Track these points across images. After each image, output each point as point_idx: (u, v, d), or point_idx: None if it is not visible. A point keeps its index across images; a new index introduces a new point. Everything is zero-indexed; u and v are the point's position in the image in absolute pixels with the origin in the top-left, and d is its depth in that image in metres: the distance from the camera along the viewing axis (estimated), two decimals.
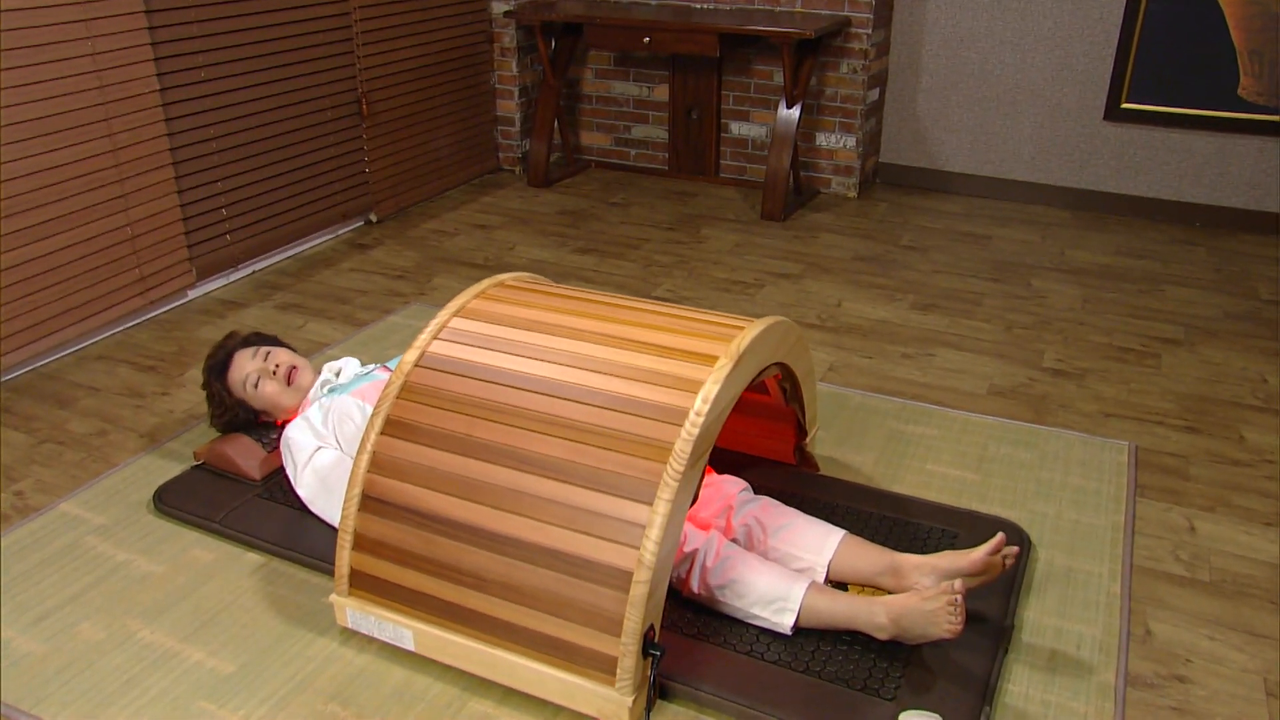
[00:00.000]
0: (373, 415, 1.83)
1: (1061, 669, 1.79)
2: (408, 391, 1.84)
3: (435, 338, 1.91)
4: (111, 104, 2.93)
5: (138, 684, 1.76)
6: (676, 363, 1.75)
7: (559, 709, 1.70)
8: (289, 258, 3.78)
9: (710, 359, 1.75)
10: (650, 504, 1.60)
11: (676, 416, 1.66)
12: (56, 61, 2.76)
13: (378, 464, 1.80)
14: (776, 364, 1.98)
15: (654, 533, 1.57)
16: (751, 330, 1.81)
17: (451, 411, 1.79)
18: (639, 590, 1.57)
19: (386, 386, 1.86)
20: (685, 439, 1.62)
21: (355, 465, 1.81)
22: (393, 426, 1.82)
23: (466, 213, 4.31)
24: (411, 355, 1.88)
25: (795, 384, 2.13)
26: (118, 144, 2.98)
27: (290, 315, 3.28)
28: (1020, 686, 1.75)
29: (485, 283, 2.05)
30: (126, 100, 2.98)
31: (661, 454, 1.63)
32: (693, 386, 1.70)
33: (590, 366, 1.79)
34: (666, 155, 4.85)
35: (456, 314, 1.96)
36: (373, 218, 4.17)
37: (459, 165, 4.65)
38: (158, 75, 3.07)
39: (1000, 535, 1.76)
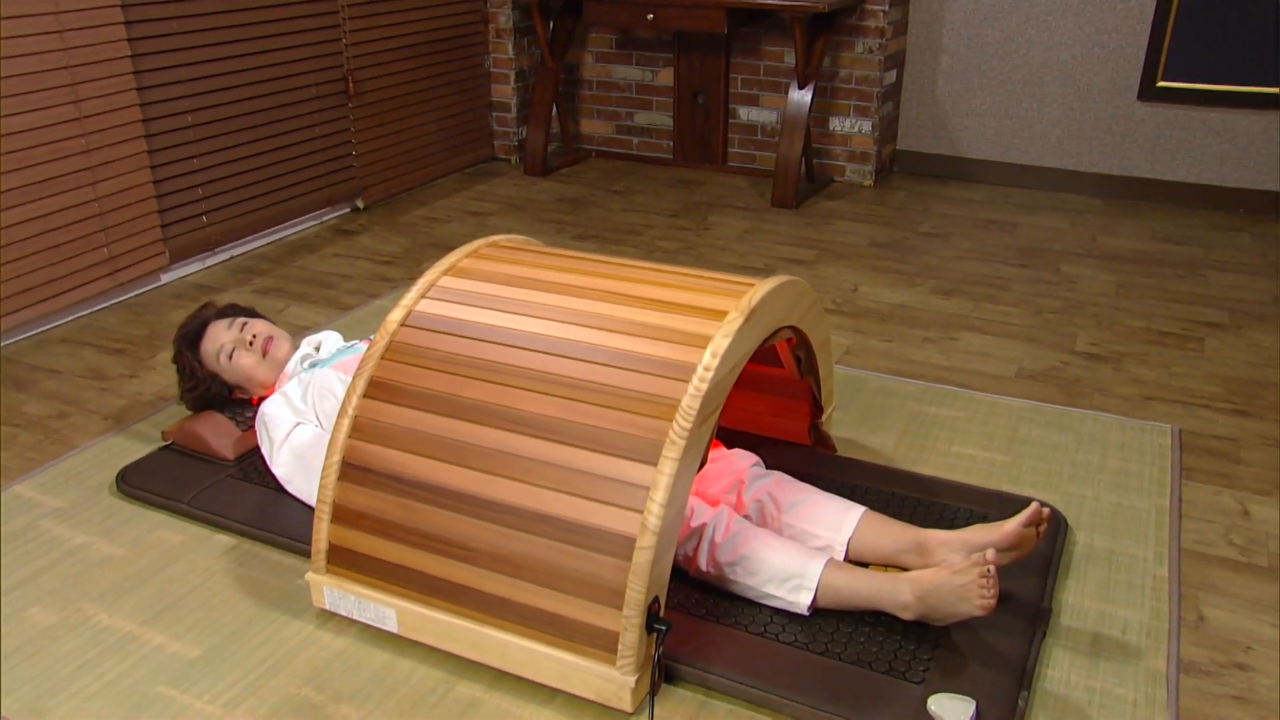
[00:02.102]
0: (354, 378, 1.78)
1: (1106, 654, 1.72)
2: (393, 352, 1.79)
3: (423, 296, 1.86)
4: (78, 67, 2.89)
5: (91, 669, 1.69)
6: (683, 318, 1.70)
7: (554, 692, 1.63)
8: (269, 243, 3.73)
9: (719, 314, 1.69)
10: (655, 464, 1.54)
11: (683, 372, 1.60)
12: (15, 18, 2.72)
13: (359, 428, 1.75)
14: (790, 328, 1.92)
15: (659, 494, 1.51)
16: (764, 286, 1.76)
17: (439, 371, 1.74)
18: (642, 557, 1.50)
19: (370, 347, 1.80)
20: (693, 394, 1.56)
21: (335, 431, 1.75)
22: (376, 388, 1.76)
23: (459, 200, 4.27)
24: (397, 314, 1.83)
25: (810, 353, 2.07)
26: (85, 111, 2.93)
27: (270, 299, 3.23)
28: (1061, 671, 1.68)
29: (477, 242, 2.01)
30: (95, 65, 2.93)
31: (667, 411, 1.57)
32: (701, 341, 1.64)
33: (589, 323, 1.74)
34: (671, 143, 4.82)
35: (446, 272, 1.91)
36: (359, 204, 4.13)
37: (451, 152, 4.61)
38: (129, 40, 3.03)
39: (1035, 504, 1.69)
